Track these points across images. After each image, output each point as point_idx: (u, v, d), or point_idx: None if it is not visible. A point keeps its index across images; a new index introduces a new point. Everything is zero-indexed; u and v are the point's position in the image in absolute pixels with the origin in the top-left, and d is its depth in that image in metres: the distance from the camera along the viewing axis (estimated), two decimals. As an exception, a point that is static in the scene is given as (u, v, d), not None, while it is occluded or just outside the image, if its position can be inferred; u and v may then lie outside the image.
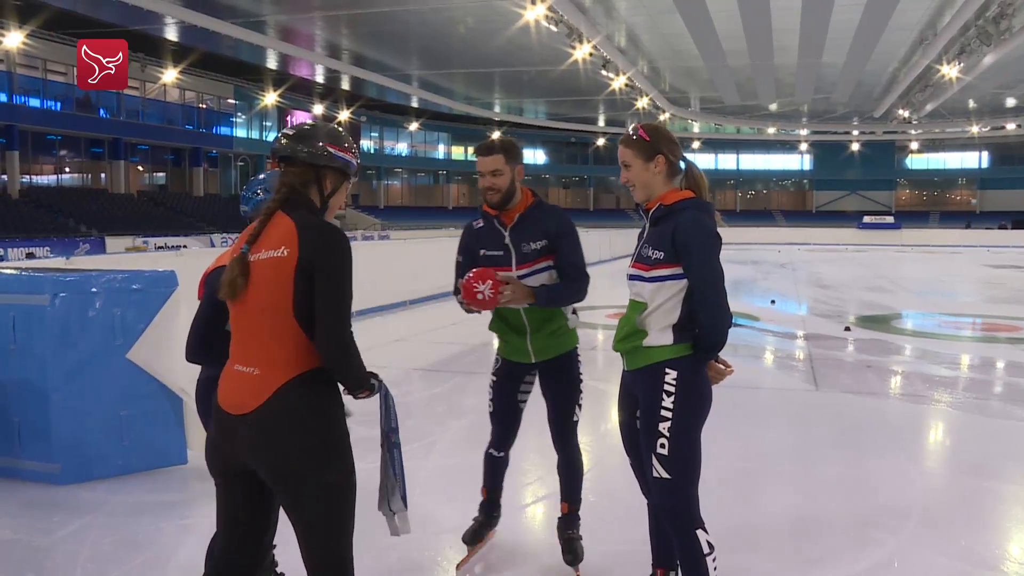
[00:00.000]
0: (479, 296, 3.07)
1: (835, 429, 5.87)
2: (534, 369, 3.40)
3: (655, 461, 2.64)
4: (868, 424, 6.03)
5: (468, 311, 3.22)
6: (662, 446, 2.62)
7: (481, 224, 3.31)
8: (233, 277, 2.21)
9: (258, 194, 2.96)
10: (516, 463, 5.01)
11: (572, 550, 3.41)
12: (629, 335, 2.74)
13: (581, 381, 3.40)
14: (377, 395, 2.35)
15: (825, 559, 3.61)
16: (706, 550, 2.63)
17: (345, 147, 2.37)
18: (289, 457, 2.13)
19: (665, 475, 2.63)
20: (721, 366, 2.78)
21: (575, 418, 3.40)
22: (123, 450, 4.59)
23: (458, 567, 3.50)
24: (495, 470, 3.56)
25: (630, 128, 2.83)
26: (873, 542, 3.74)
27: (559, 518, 3.49)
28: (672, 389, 2.63)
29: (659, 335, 2.67)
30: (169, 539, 3.82)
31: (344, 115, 45.79)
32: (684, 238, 2.62)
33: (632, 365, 2.77)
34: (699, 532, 2.64)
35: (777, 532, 3.96)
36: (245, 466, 2.18)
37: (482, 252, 3.26)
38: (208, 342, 2.71)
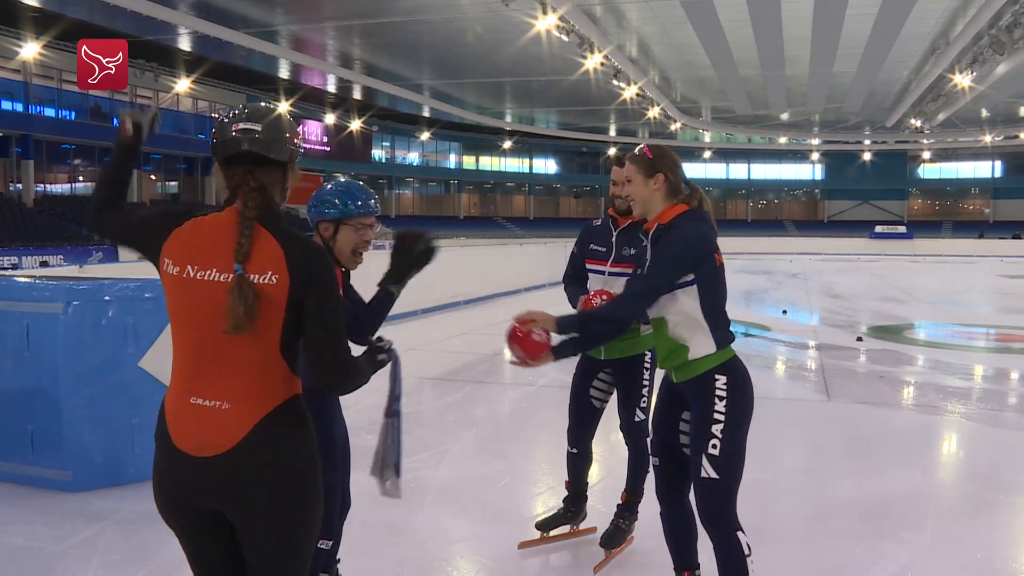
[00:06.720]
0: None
1: (847, 440, 5.83)
2: (607, 367, 3.60)
3: (705, 461, 2.69)
4: (881, 435, 5.98)
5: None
6: (714, 447, 2.69)
7: (599, 223, 3.67)
8: (249, 305, 1.85)
9: (335, 204, 2.72)
10: (526, 473, 5.02)
11: (611, 534, 3.63)
12: (671, 353, 2.78)
13: (645, 386, 3.60)
14: (389, 363, 2.30)
15: (838, 572, 3.59)
16: (746, 551, 2.70)
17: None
18: (270, 498, 1.93)
19: (714, 475, 2.69)
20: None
21: (637, 419, 3.61)
22: (135, 458, 4.58)
23: (520, 545, 3.71)
24: (572, 466, 3.79)
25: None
26: (887, 554, 3.71)
27: (618, 505, 3.72)
28: (724, 393, 2.72)
29: (701, 346, 2.72)
30: (180, 548, 3.81)
31: (356, 124, 46.00)
32: (668, 238, 2.71)
33: (681, 378, 2.80)
34: (739, 534, 2.71)
35: (789, 544, 3.93)
36: (211, 511, 1.97)
37: (591, 246, 3.62)
38: None
